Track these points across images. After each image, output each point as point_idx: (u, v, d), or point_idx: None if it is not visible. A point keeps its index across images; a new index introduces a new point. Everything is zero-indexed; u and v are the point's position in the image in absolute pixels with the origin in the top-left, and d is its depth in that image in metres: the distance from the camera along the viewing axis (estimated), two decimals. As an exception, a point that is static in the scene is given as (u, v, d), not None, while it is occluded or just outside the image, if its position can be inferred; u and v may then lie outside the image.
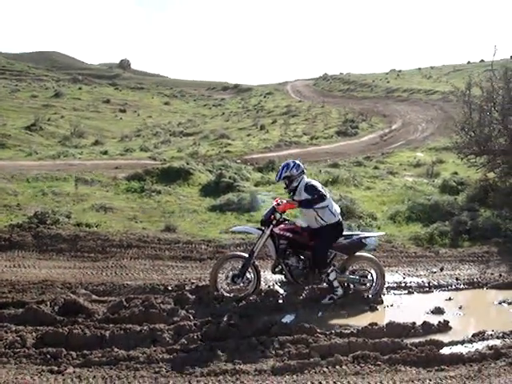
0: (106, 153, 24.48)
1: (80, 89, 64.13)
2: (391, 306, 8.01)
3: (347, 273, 8.40)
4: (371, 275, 8.44)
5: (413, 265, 9.92)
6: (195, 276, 8.95)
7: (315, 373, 5.69)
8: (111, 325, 6.64)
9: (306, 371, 5.70)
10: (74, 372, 5.62)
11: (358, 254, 8.46)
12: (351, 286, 8.39)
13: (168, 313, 7.08)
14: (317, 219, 8.13)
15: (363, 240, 8.44)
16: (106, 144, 28.72)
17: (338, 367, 5.80)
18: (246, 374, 5.62)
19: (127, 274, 8.94)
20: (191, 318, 6.99)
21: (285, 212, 8.25)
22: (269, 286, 8.45)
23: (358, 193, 15.50)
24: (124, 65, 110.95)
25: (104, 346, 6.15)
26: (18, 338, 6.31)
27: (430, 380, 5.62)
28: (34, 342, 6.28)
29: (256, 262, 8.30)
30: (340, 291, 8.16)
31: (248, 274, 8.15)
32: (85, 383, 5.41)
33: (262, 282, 8.34)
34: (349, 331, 6.73)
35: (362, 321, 7.17)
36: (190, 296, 7.73)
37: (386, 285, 8.60)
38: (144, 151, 26.25)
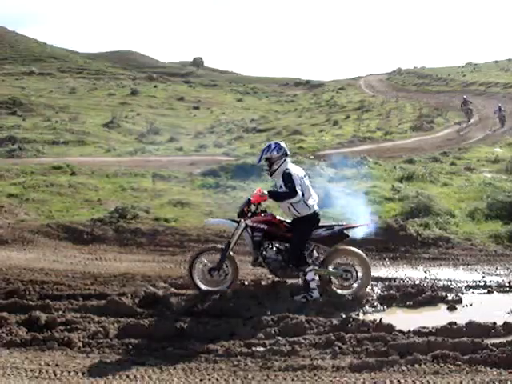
0: (181, 149, 24.92)
1: (155, 87, 65.39)
2: (470, 305, 7.78)
3: (330, 266, 8.06)
4: (355, 271, 8.07)
5: (492, 263, 9.60)
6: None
7: (393, 371, 5.61)
8: (190, 317, 6.77)
9: (384, 369, 5.62)
10: (155, 363, 5.75)
11: (344, 247, 8.21)
12: (333, 279, 8.09)
13: (245, 307, 7.15)
14: (290, 210, 7.89)
15: (345, 231, 8.11)
16: (181, 141, 29.17)
17: (416, 366, 5.68)
18: (324, 370, 5.61)
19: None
20: (268, 312, 7.03)
21: (260, 203, 8.08)
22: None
23: (435, 189, 15.14)
24: (197, 62, 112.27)
25: (183, 339, 6.28)
26: (101, 329, 6.53)
27: (512, 382, 5.47)
28: (116, 332, 6.47)
29: (232, 255, 8.14)
30: (316, 294, 7.76)
31: (225, 267, 8.00)
32: (165, 374, 5.53)
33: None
34: (427, 330, 6.58)
35: (440, 320, 7.02)
36: (266, 291, 7.77)
37: (465, 284, 8.39)
38: (218, 147, 26.57)
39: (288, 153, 8.04)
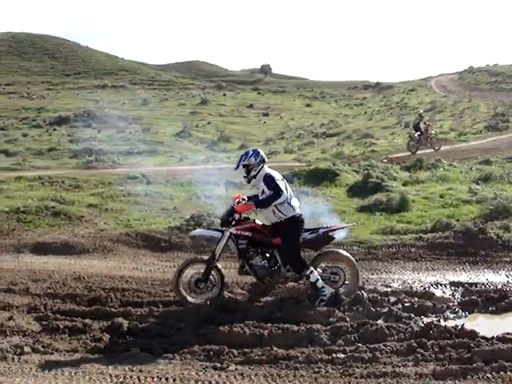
0: (252, 156, 25.03)
1: (224, 95, 66.17)
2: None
3: (317, 269, 7.85)
4: (343, 273, 7.96)
5: None
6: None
7: (478, 378, 5.41)
8: (268, 324, 6.76)
9: (468, 376, 5.44)
10: (236, 369, 5.78)
11: (332, 250, 8.18)
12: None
13: (324, 314, 7.10)
14: (275, 212, 7.72)
15: (330, 233, 7.97)
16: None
17: (502, 373, 5.48)
18: (407, 378, 5.49)
19: (280, 275, 9.06)
20: (347, 319, 6.96)
21: (244, 212, 7.94)
22: (424, 289, 8.22)
23: (514, 190, 14.68)
24: (265, 69, 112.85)
25: (263, 345, 6.28)
26: (182, 336, 6.61)
27: None
28: (196, 339, 6.54)
29: (219, 265, 8.02)
30: (327, 290, 7.65)
31: (211, 278, 7.89)
32: (247, 380, 5.54)
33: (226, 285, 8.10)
34: (512, 336, 6.37)
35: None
36: (343, 297, 7.69)
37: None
38: (288, 153, 26.62)
39: (266, 160, 7.97)
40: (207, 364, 5.92)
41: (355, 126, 40.16)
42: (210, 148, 29.80)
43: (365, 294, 7.65)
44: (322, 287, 7.66)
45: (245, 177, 8.01)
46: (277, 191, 7.54)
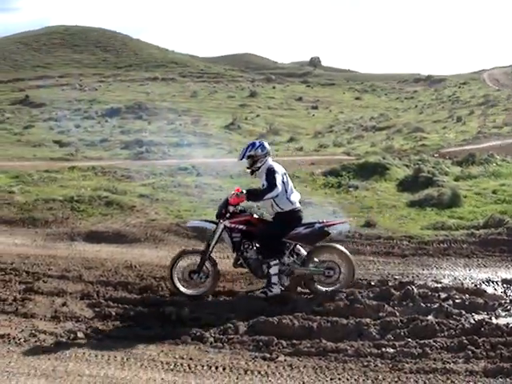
0: (301, 149, 25.05)
1: (273, 88, 66.18)
2: None
3: (311, 265, 7.78)
4: (339, 268, 7.82)
5: None
6: (398, 272, 8.80)
7: (530, 377, 5.34)
8: (318, 317, 6.76)
9: (520, 375, 5.37)
10: (285, 360, 5.80)
11: (329, 245, 8.08)
12: (315, 278, 7.79)
13: (373, 308, 7.06)
14: (273, 206, 7.74)
15: (326, 228, 7.82)
16: (301, 140, 29.33)
17: (553, 372, 5.38)
18: (457, 374, 5.41)
19: (329, 268, 9.05)
20: (397, 314, 6.90)
21: (238, 204, 7.85)
22: (476, 286, 8.08)
23: None
24: (314, 62, 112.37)
25: (312, 337, 6.28)
26: (231, 325, 6.67)
27: None
28: (245, 329, 6.59)
29: (214, 257, 8.03)
30: (276, 290, 7.59)
31: (205, 269, 7.85)
32: (296, 372, 5.55)
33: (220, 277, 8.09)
34: None
35: None
36: (394, 292, 7.59)
37: None
38: (337, 147, 26.49)
39: (270, 153, 7.95)
40: (256, 354, 5.96)
41: (405, 119, 39.66)
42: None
43: (415, 290, 7.56)
44: (274, 283, 7.62)
45: (248, 168, 7.99)
46: (271, 185, 7.51)
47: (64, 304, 7.52)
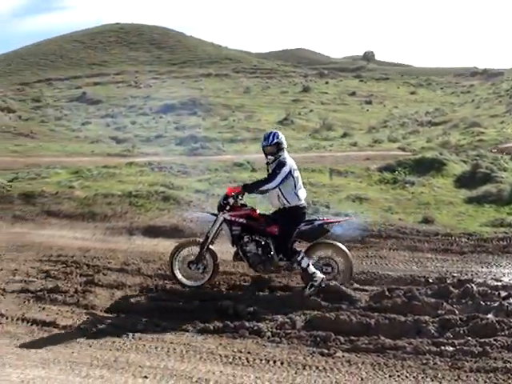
0: (355, 144, 24.86)
1: (326, 83, 65.72)
2: None
3: (311, 260, 7.78)
4: (336, 265, 7.86)
5: None
6: (456, 270, 8.66)
7: None
8: (375, 313, 6.72)
9: None
10: (343, 356, 5.80)
11: (327, 242, 8.02)
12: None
13: (432, 305, 6.97)
14: (280, 198, 7.77)
15: (325, 226, 7.86)
16: (354, 136, 29.12)
17: None
18: (518, 374, 5.32)
19: (387, 265, 8.97)
20: (456, 312, 6.80)
21: (240, 197, 7.90)
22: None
23: None
24: (368, 56, 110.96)
25: (370, 334, 6.26)
26: (288, 320, 6.70)
27: None
28: (302, 324, 6.61)
29: (213, 249, 8.13)
30: (319, 276, 7.59)
31: (204, 261, 8.01)
32: (354, 368, 5.55)
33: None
34: None
35: None
36: (452, 290, 7.47)
37: None
38: (392, 142, 26.16)
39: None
40: (314, 349, 5.99)
41: (462, 114, 38.80)
42: (312, 136, 29.77)
43: (474, 288, 7.43)
44: (314, 273, 7.65)
45: (266, 155, 7.97)
46: (271, 177, 7.67)
47: (123, 296, 7.70)
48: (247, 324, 6.61)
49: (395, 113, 42.74)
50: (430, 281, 8.00)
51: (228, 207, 7.94)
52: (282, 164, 7.70)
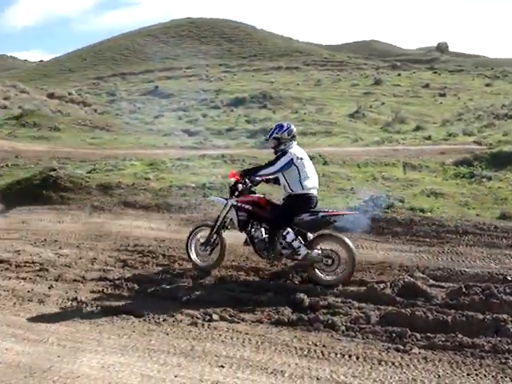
0: (428, 138, 24.37)
1: (399, 75, 64.66)
2: None
3: (314, 252, 7.81)
4: (338, 257, 7.80)
5: None
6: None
7: None
8: (452, 310, 6.59)
9: None
10: (420, 353, 5.71)
11: (331, 234, 8.02)
12: (316, 266, 7.86)
13: (510, 304, 6.77)
14: (285, 186, 8.03)
15: (328, 218, 7.85)
16: (428, 129, 28.53)
17: None
18: None
19: (463, 261, 8.75)
20: (538, 310, 6.59)
21: (247, 184, 8.17)
22: None
23: None
24: (441, 48, 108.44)
25: (447, 331, 6.14)
26: (363, 315, 6.65)
27: None
28: (377, 319, 6.55)
29: (223, 232, 8.51)
30: (303, 251, 7.78)
31: (213, 242, 8.45)
32: (430, 365, 5.45)
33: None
34: None
35: None
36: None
37: None
38: (467, 135, 25.50)
39: (296, 137, 8.21)
40: (389, 345, 5.91)
41: (543, 106, 37.46)
42: (383, 129, 29.38)
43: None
44: (298, 247, 7.81)
45: (273, 148, 8.21)
46: (269, 163, 8.01)
47: (198, 287, 7.83)
48: (321, 317, 6.60)
49: (470, 105, 41.63)
50: (509, 278, 7.76)
51: (237, 193, 8.27)
52: (284, 153, 7.93)
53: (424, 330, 6.21)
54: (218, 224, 8.48)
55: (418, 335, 6.08)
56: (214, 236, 8.53)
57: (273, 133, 8.16)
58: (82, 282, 8.28)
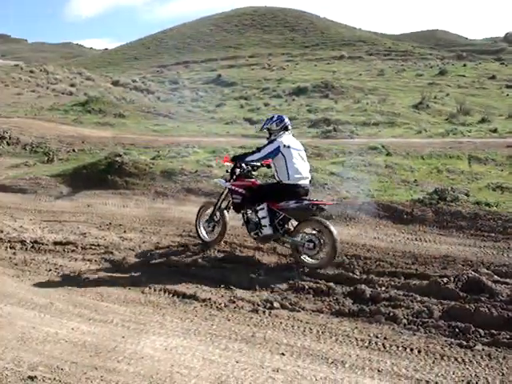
0: (494, 131, 23.70)
1: (464, 65, 63.00)
2: None
3: (298, 236, 8.24)
4: (320, 241, 8.08)
5: None
6: None
7: None
8: (518, 307, 6.43)
9: None
10: (483, 350, 5.60)
11: (314, 219, 8.20)
12: (300, 250, 8.22)
13: None
14: (275, 174, 8.57)
15: (311, 206, 8.16)
16: (494, 121, 27.74)
17: None
18: None
19: (531, 258, 8.54)
20: None
21: (225, 163, 9.20)
22: None
23: None
24: (509, 38, 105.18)
25: (511, 328, 6.02)
26: (425, 309, 6.56)
27: None
28: (440, 314, 6.45)
29: (225, 211, 9.25)
30: (267, 231, 8.43)
31: (215, 219, 9.28)
32: (494, 362, 5.34)
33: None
34: None
35: None
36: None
37: None
38: (535, 130, 24.67)
39: (289, 127, 8.69)
40: (452, 340, 5.81)
41: None
42: (448, 121, 28.72)
43: None
44: (264, 225, 8.44)
45: (267, 138, 8.77)
46: (257, 149, 8.58)
47: (259, 274, 7.89)
48: (383, 309, 6.55)
49: (540, 98, 40.23)
50: None
51: (234, 176, 9.01)
52: (272, 141, 8.46)
53: (488, 326, 6.09)
54: (220, 203, 9.32)
55: (481, 331, 5.96)
56: (217, 213, 9.30)
57: (264, 124, 8.83)
58: (146, 266, 8.45)
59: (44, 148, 20.66)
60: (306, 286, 7.39)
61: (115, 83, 53.99)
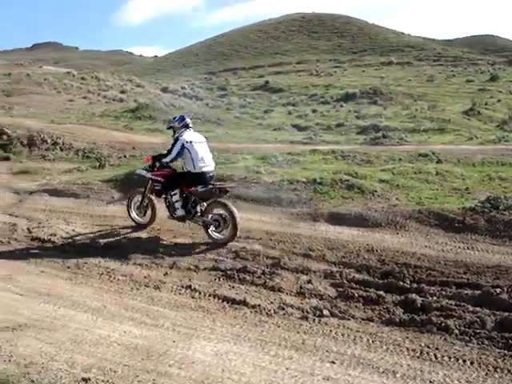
0: (548, 137, 23.15)
1: (516, 71, 61.66)
2: None
3: (207, 216, 9.89)
4: (224, 221, 9.69)
5: None
6: None
7: None
8: None
9: None
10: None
11: (219, 201, 9.81)
12: (209, 227, 9.84)
13: None
14: (183, 166, 10.20)
15: (214, 190, 9.81)
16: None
17: None
18: None
19: None
20: None
21: (147, 162, 10.72)
22: None
23: None
24: None
25: None
26: (477, 319, 6.44)
27: None
28: (493, 325, 6.33)
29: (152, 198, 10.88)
30: (180, 212, 10.21)
31: (145, 206, 11.05)
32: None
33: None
34: None
35: None
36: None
37: None
38: None
39: (190, 126, 10.30)
40: (505, 352, 5.70)
41: None
42: (500, 127, 28.15)
43: None
44: (177, 208, 10.20)
45: (172, 136, 10.33)
46: (168, 152, 10.09)
47: (309, 281, 7.89)
48: (434, 319, 6.47)
49: None
50: None
51: (155, 169, 10.50)
52: (175, 140, 10.04)
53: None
54: (146, 192, 10.84)
55: (538, 344, 5.83)
56: (145, 200, 10.95)
57: (169, 123, 10.55)
58: (195, 271, 8.55)
59: (96, 154, 21.07)
60: (356, 294, 7.34)
61: (164, 90, 54.68)
